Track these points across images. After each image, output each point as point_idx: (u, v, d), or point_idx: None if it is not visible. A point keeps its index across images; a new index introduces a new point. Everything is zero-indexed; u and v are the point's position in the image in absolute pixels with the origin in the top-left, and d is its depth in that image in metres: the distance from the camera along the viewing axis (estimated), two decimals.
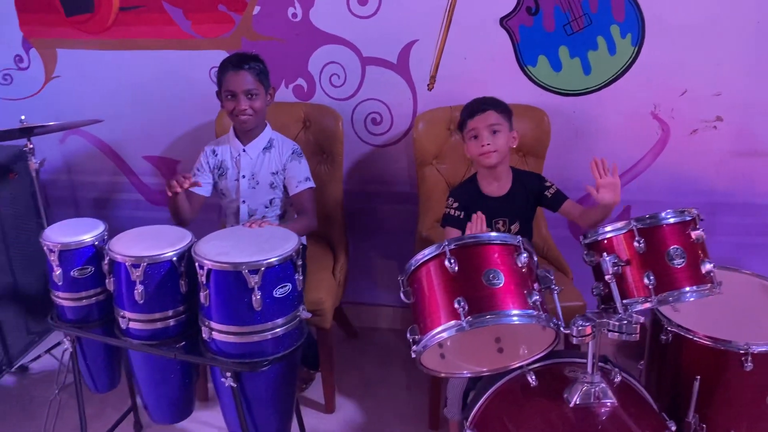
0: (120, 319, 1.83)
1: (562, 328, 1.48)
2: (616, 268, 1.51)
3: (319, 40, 2.51)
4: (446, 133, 2.43)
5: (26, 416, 2.40)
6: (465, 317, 1.41)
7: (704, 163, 2.45)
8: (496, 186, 2.05)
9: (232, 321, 1.70)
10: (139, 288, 1.75)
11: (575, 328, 1.44)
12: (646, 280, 1.49)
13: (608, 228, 1.57)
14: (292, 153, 2.27)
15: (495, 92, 2.41)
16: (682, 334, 1.73)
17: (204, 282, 1.69)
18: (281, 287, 1.71)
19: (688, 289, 1.50)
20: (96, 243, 1.89)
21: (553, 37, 2.37)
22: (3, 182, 2.58)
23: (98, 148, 2.85)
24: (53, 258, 1.86)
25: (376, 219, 2.76)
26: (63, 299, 1.91)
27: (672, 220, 1.52)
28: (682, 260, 1.50)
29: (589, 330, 1.44)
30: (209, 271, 1.67)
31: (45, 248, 1.87)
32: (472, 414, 1.69)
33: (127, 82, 2.70)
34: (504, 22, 2.38)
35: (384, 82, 2.53)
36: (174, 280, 1.79)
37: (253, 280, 1.64)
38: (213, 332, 1.72)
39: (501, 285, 1.44)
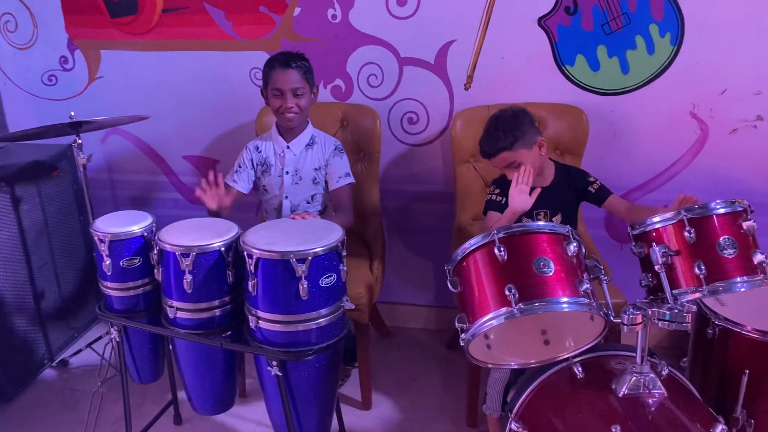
0: (168, 309, 1.86)
1: (612, 317, 1.47)
2: (665, 258, 1.50)
3: (357, 41, 2.55)
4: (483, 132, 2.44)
5: (67, 409, 2.44)
6: (516, 304, 1.42)
7: (744, 164, 2.43)
8: (539, 178, 2.05)
9: (279, 310, 1.72)
10: (188, 277, 1.78)
11: (626, 317, 1.44)
12: (696, 270, 1.49)
13: (657, 219, 1.57)
14: (335, 149, 2.31)
15: (532, 91, 2.46)
16: (730, 327, 1.72)
17: (252, 271, 1.71)
18: (327, 277, 1.73)
19: (739, 279, 1.49)
20: (145, 234, 1.93)
21: (592, 37, 2.38)
22: (47, 180, 2.64)
23: (139, 147, 2.90)
24: (103, 248, 1.89)
25: (410, 218, 2.77)
26: (111, 289, 1.95)
27: (722, 211, 1.52)
28: (734, 250, 1.49)
29: (639, 318, 1.44)
30: (258, 260, 1.69)
31: (95, 238, 1.90)
32: (516, 406, 1.69)
33: (168, 82, 2.76)
34: (542, 21, 2.39)
35: (421, 82, 2.55)
36: (221, 269, 1.82)
37: (301, 269, 1.66)
38: (260, 321, 1.74)
39: (551, 273, 1.45)
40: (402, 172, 2.70)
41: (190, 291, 1.79)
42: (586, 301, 1.44)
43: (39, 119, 2.83)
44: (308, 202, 2.30)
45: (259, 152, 2.32)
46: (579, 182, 2.06)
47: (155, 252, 1.86)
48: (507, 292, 1.43)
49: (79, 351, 2.72)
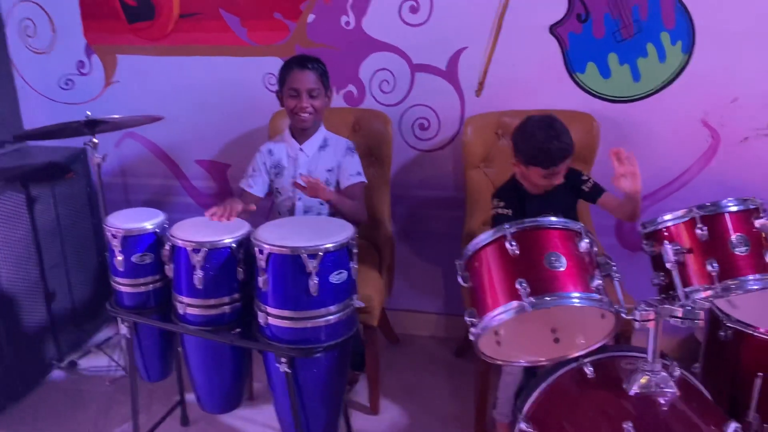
0: (177, 305, 1.86)
1: (623, 314, 1.46)
2: (677, 256, 1.49)
3: (370, 48, 2.57)
4: (494, 138, 2.45)
5: (74, 409, 2.43)
6: (527, 298, 1.41)
7: (755, 172, 2.42)
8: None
9: (289, 306, 1.72)
10: (199, 273, 1.79)
11: (638, 313, 1.43)
12: (708, 267, 1.47)
13: (668, 217, 1.56)
14: (347, 149, 2.32)
15: (543, 98, 2.47)
16: (742, 329, 1.70)
17: (263, 266, 1.71)
18: (337, 273, 1.73)
19: (751, 277, 1.48)
20: (157, 231, 1.94)
21: (603, 44, 2.39)
22: (61, 182, 2.66)
23: (152, 151, 2.93)
24: (116, 244, 1.91)
25: (420, 224, 2.77)
26: (122, 285, 1.96)
27: (734, 208, 1.52)
28: (746, 248, 1.48)
29: (652, 315, 1.43)
30: (269, 255, 1.70)
31: (108, 234, 1.92)
32: (526, 407, 1.67)
33: (182, 87, 2.79)
34: (554, 29, 2.41)
35: (432, 89, 2.57)
36: (232, 266, 1.82)
37: (311, 265, 1.67)
38: (269, 317, 1.74)
39: (563, 268, 1.44)
40: (412, 178, 2.71)
41: (200, 287, 1.80)
42: (598, 296, 1.43)
43: (55, 123, 2.86)
44: (321, 203, 2.30)
45: (272, 155, 2.34)
46: (573, 181, 2.05)
47: (167, 248, 1.87)
48: (518, 286, 1.42)
49: (89, 352, 2.72)
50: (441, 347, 2.83)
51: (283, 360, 1.73)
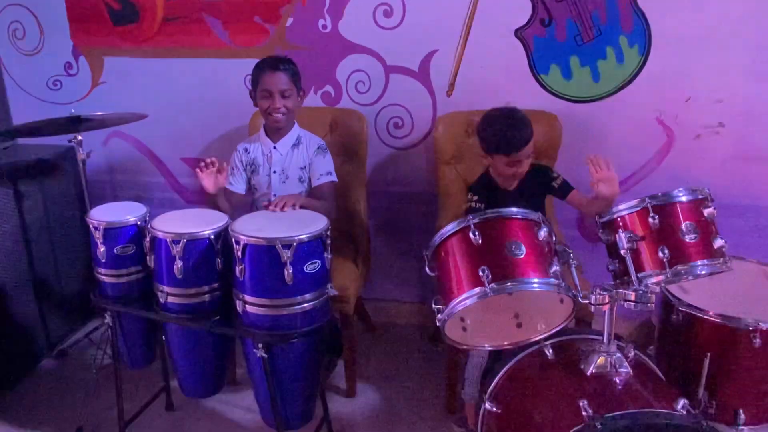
0: (159, 294, 1.83)
1: (580, 298, 1.46)
2: (631, 243, 1.50)
3: (346, 50, 2.55)
4: (464, 135, 2.44)
5: (64, 397, 2.39)
6: (489, 284, 1.40)
7: (707, 167, 2.43)
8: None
9: (265, 294, 1.70)
10: (179, 263, 1.76)
11: (593, 297, 1.43)
12: (660, 254, 1.48)
13: (622, 206, 1.56)
14: (318, 148, 2.29)
15: (509, 98, 2.44)
16: (693, 312, 1.71)
17: (240, 257, 1.69)
18: (311, 263, 1.71)
19: (700, 262, 1.49)
20: (138, 223, 1.91)
21: (565, 47, 2.39)
22: (49, 179, 2.60)
23: (138, 149, 2.88)
24: (98, 235, 1.87)
25: (396, 218, 2.75)
26: (105, 276, 1.92)
27: (684, 198, 1.52)
28: (695, 235, 1.49)
29: (606, 299, 1.43)
30: (245, 246, 1.68)
31: (90, 226, 1.88)
32: (491, 387, 1.67)
33: (167, 88, 2.74)
34: (519, 33, 2.40)
35: (406, 89, 2.55)
36: (211, 257, 1.80)
37: (286, 255, 1.65)
38: (246, 305, 1.72)
39: (522, 255, 1.44)
40: (388, 174, 2.69)
41: (180, 276, 1.77)
42: (555, 282, 1.43)
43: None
44: None
45: (248, 153, 2.31)
46: (543, 178, 2.05)
47: (148, 240, 1.83)
48: (480, 273, 1.41)
49: (78, 342, 2.67)
50: (416, 334, 2.82)
51: (260, 345, 1.71)
